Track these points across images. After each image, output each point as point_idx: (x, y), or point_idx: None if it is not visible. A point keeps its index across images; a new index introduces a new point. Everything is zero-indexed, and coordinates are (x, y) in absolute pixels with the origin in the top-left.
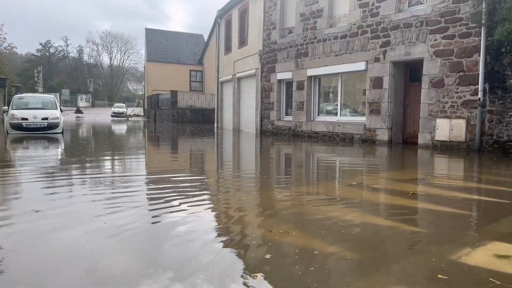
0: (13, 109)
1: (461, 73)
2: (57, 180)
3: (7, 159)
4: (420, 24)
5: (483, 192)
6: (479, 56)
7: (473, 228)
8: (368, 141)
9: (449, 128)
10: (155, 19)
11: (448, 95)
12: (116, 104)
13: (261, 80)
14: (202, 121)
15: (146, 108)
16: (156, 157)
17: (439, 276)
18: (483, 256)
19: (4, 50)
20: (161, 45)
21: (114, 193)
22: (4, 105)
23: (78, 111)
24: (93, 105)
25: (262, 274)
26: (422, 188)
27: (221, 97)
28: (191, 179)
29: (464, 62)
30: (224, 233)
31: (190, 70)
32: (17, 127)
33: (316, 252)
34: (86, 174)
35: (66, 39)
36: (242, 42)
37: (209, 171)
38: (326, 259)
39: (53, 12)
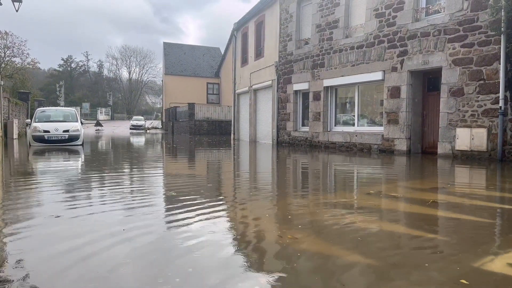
0: (35, 122)
1: (481, 82)
2: (77, 188)
3: (30, 170)
4: (438, 33)
5: (506, 201)
6: (499, 64)
7: (496, 236)
8: (386, 151)
9: (469, 138)
10: (168, 32)
11: (468, 104)
12: (134, 117)
13: (277, 91)
14: (219, 133)
15: (164, 120)
16: (174, 167)
17: (462, 281)
18: (506, 263)
19: (28, 65)
20: (179, 59)
21: (132, 202)
22: (27, 118)
23: (98, 124)
24: (112, 118)
25: (281, 275)
26: (443, 197)
27: (238, 109)
28: (209, 188)
29: (484, 71)
30: (242, 241)
31: (207, 83)
32: (39, 139)
33: (335, 259)
34: (105, 183)
35: (87, 54)
36: (259, 54)
37: (227, 180)
38: (345, 266)
39: (66, 28)
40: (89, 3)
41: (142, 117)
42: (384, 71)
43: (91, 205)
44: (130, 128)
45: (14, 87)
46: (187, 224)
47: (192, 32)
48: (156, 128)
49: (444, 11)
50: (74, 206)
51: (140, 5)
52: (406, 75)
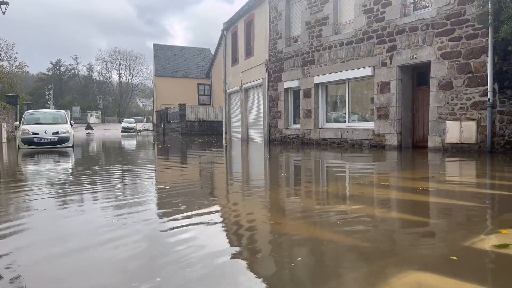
0: (24, 125)
1: (470, 75)
2: (68, 186)
3: (19, 171)
4: (426, 27)
5: (496, 187)
6: (487, 56)
7: (485, 219)
8: (377, 146)
9: (459, 130)
10: (153, 35)
11: (457, 97)
12: (125, 120)
13: (268, 89)
14: (211, 133)
15: (155, 122)
16: (167, 167)
17: (451, 257)
18: (494, 242)
19: (16, 69)
20: (169, 60)
21: (123, 200)
22: (16, 122)
23: (89, 127)
24: (103, 122)
25: (265, 254)
26: (433, 185)
27: (229, 108)
28: (203, 187)
29: (472, 63)
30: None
31: (198, 84)
32: (28, 142)
33: (332, 243)
34: (96, 181)
35: (76, 57)
36: (249, 53)
37: (219, 176)
38: (341, 248)
39: (49, 31)
40: (71, 6)
41: (133, 120)
42: (373, 66)
43: (82, 201)
44: (121, 131)
45: (2, 91)
46: (178, 213)
47: (178, 33)
48: (147, 130)
49: (431, 6)
50: (64, 201)
51: (123, 7)
52: (396, 70)
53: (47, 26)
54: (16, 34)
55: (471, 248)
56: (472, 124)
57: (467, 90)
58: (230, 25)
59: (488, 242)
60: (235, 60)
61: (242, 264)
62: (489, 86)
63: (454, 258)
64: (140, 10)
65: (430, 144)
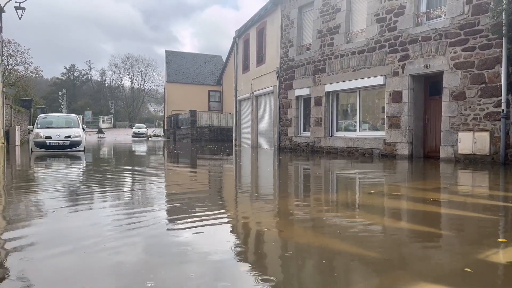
0: (37, 128)
1: (483, 85)
2: (78, 188)
3: (32, 173)
4: (439, 37)
5: (510, 199)
6: (501, 67)
7: (499, 232)
8: (388, 156)
9: (472, 141)
10: (160, 40)
11: (470, 107)
12: (136, 125)
13: (278, 97)
14: (221, 140)
15: (166, 128)
16: (176, 172)
17: (466, 269)
18: (509, 257)
19: (31, 73)
20: (181, 67)
21: (133, 205)
22: (30, 125)
23: (100, 131)
24: (114, 126)
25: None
26: (445, 196)
27: (239, 115)
28: (212, 193)
29: (485, 74)
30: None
31: (209, 91)
32: (41, 145)
33: (340, 253)
34: (105, 185)
35: (89, 63)
36: (260, 60)
37: (229, 185)
38: (350, 259)
39: (54, 36)
40: (75, 10)
41: (144, 125)
42: (385, 75)
43: (91, 203)
44: (132, 136)
45: (17, 95)
46: (183, 217)
47: (185, 40)
48: (157, 135)
49: (445, 16)
50: (71, 203)
51: (129, 13)
52: (408, 80)
53: (50, 30)
54: (16, 36)
55: (486, 262)
56: (485, 135)
57: (480, 100)
58: (241, 33)
59: (503, 255)
60: (246, 67)
61: (245, 269)
62: (503, 97)
63: (468, 270)
64: (146, 15)
65: (442, 154)
